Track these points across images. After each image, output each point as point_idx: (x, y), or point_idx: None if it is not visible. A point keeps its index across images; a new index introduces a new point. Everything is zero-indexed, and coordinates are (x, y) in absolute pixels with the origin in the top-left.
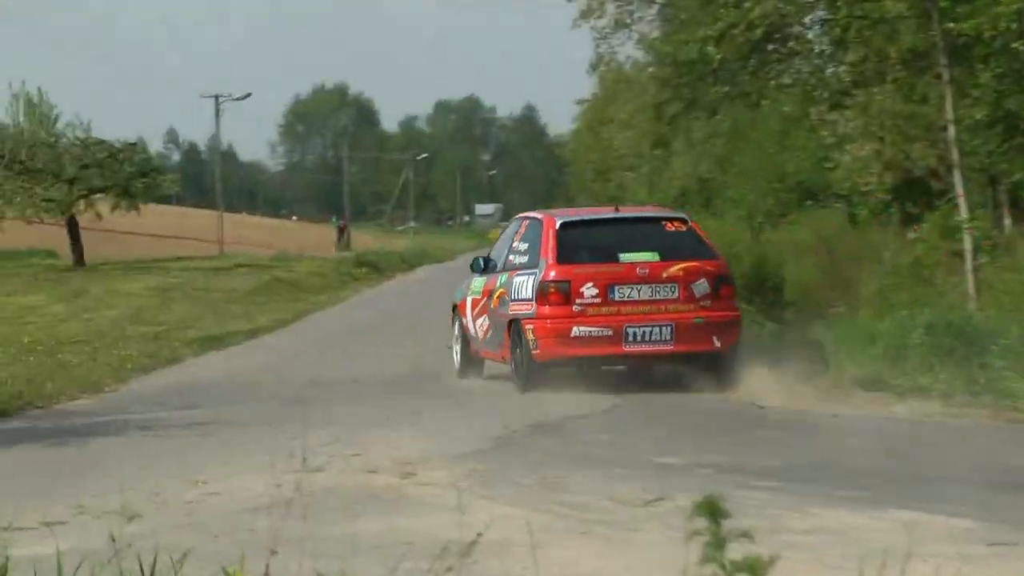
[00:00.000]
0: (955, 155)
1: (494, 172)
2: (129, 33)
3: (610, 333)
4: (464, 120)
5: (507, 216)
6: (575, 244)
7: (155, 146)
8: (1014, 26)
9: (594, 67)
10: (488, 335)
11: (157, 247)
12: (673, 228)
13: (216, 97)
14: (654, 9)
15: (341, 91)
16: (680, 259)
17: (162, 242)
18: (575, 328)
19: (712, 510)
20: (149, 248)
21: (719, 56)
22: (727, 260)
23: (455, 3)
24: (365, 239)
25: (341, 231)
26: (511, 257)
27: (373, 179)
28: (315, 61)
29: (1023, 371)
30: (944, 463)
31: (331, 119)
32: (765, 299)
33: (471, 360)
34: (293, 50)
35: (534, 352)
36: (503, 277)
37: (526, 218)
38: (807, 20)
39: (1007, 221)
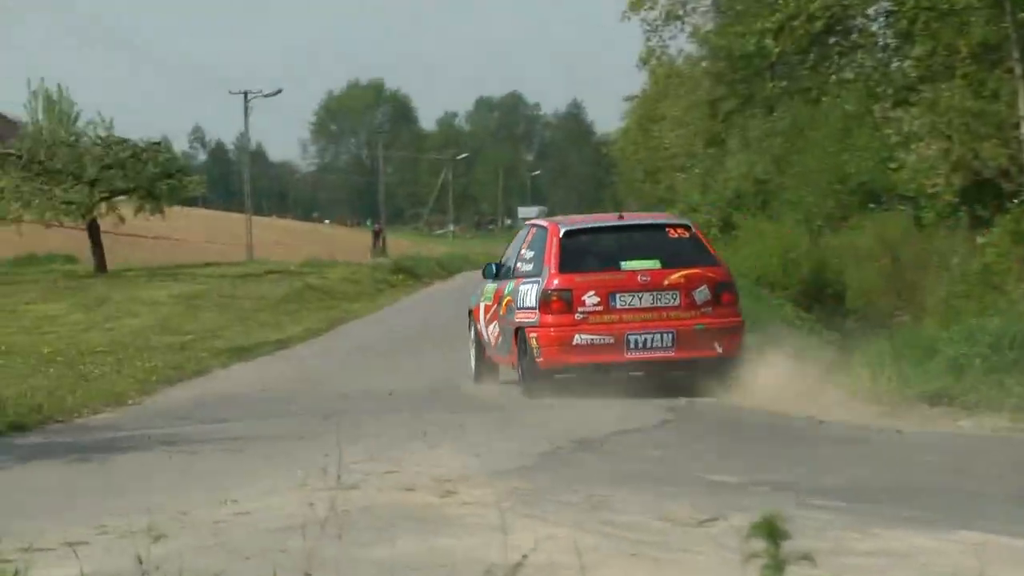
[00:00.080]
0: None
1: (538, 172)
2: (153, 25)
3: (612, 341)
4: (506, 117)
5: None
6: (578, 252)
7: (180, 145)
8: None
9: (644, 61)
10: (499, 341)
11: (182, 252)
12: (676, 235)
13: (245, 93)
14: (708, 0)
15: (376, 87)
16: (682, 266)
17: (188, 247)
18: (577, 336)
19: (770, 530)
20: (174, 253)
21: (777, 49)
22: (729, 267)
23: None
24: (401, 244)
25: (376, 235)
26: (519, 264)
27: (410, 180)
28: (349, 55)
29: None
30: (1014, 481)
31: (366, 116)
32: (825, 307)
33: (486, 365)
34: (326, 43)
35: (538, 360)
36: (511, 284)
37: (534, 225)
38: (871, 11)
39: None
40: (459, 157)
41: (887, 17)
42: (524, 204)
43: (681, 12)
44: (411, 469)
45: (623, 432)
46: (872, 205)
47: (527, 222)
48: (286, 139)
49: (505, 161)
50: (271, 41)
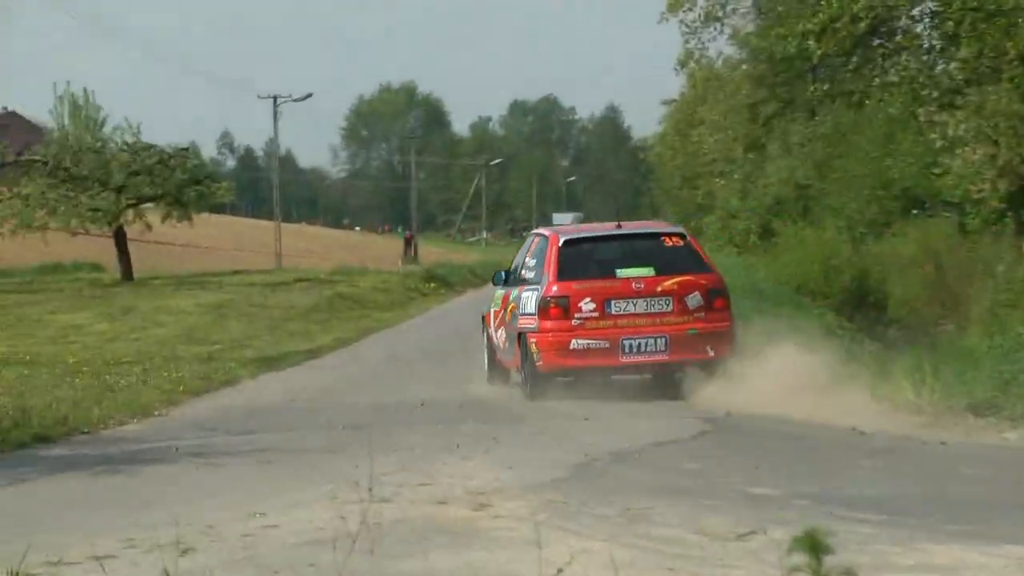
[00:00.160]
0: None
1: (573, 178)
2: (181, 29)
3: (607, 345)
4: (541, 122)
5: None
6: (576, 260)
7: (208, 151)
8: None
9: (682, 64)
10: (506, 345)
11: (210, 260)
12: (671, 244)
13: (274, 98)
14: (748, 1)
15: (408, 90)
16: (675, 273)
17: (215, 255)
18: (574, 341)
19: (812, 545)
20: (201, 261)
21: (820, 52)
22: (721, 274)
23: None
24: (433, 251)
25: (408, 242)
26: (523, 272)
27: (443, 186)
28: (380, 58)
29: None
30: None
31: (397, 121)
32: (866, 316)
33: (497, 368)
34: (357, 46)
35: (537, 364)
36: (515, 291)
37: (538, 235)
38: (916, 12)
39: None
40: (493, 163)
41: (932, 18)
42: (559, 211)
43: (721, 13)
44: (444, 481)
45: (659, 444)
46: (916, 211)
47: (532, 231)
48: (316, 145)
49: (540, 167)
50: (301, 45)
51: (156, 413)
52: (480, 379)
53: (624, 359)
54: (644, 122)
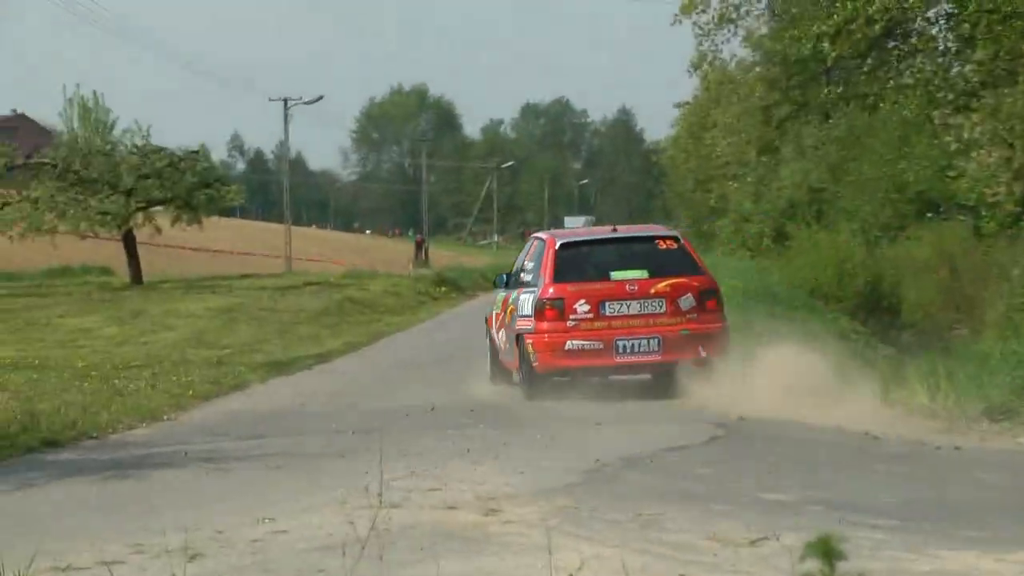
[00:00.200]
0: None
1: (585, 181)
2: (191, 31)
3: (601, 346)
4: (553, 125)
5: None
6: (572, 263)
7: (218, 154)
8: None
9: (695, 66)
10: (506, 347)
11: (220, 264)
12: (665, 247)
13: (285, 100)
14: (762, 3)
15: (420, 93)
16: (669, 276)
17: (225, 258)
18: (569, 342)
19: (825, 551)
20: (211, 265)
21: (834, 54)
22: (713, 276)
23: None
24: (444, 255)
25: (419, 246)
26: (522, 275)
27: (454, 189)
28: (391, 60)
29: None
30: None
31: (408, 124)
32: (880, 321)
33: (500, 369)
34: (368, 49)
35: (534, 364)
36: (515, 293)
37: (536, 238)
38: (931, 14)
39: None
40: (504, 165)
41: (948, 20)
42: (571, 214)
43: (734, 15)
44: (454, 487)
45: (671, 449)
46: (930, 215)
47: (532, 235)
48: (326, 147)
49: (551, 169)
50: (312, 47)
51: (165, 417)
52: (488, 383)
53: (618, 359)
54: (657, 125)
